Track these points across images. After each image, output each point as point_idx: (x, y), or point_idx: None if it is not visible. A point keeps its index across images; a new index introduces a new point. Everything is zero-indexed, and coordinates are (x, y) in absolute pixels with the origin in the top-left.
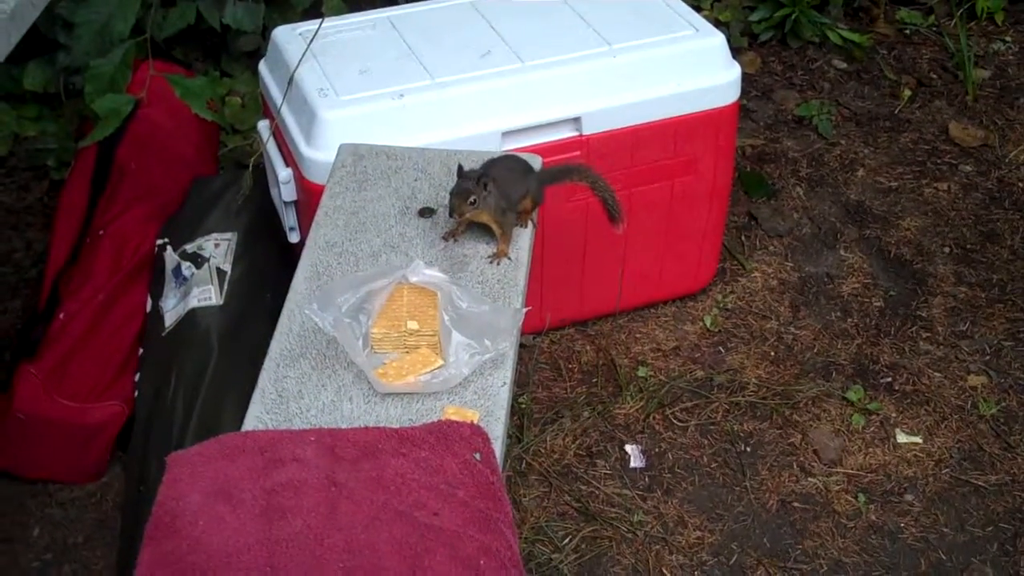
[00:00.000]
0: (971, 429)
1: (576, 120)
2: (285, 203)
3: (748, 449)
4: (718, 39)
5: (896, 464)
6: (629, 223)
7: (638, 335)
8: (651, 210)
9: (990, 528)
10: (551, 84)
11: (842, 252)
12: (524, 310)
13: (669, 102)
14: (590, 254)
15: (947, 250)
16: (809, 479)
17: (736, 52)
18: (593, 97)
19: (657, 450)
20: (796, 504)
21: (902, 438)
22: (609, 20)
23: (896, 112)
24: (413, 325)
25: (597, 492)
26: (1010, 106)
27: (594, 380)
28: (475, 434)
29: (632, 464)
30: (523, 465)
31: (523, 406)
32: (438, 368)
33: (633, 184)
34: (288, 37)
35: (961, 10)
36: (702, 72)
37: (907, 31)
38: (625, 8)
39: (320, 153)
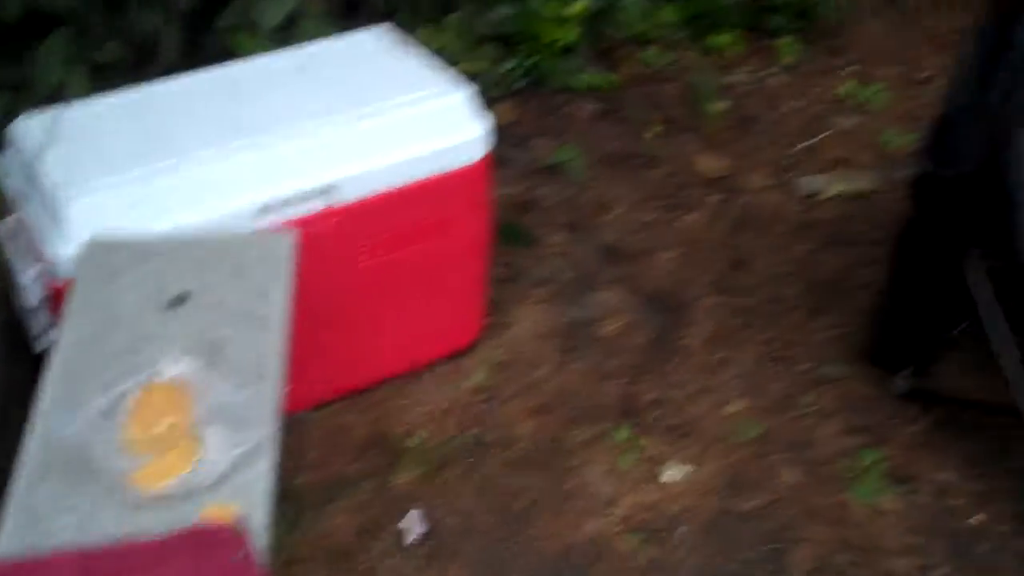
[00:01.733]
0: (734, 455)
1: (330, 189)
2: (32, 306)
3: (526, 502)
4: (464, 95)
5: (668, 499)
6: (391, 288)
7: (411, 400)
8: (412, 272)
9: (762, 548)
10: (303, 155)
11: (604, 293)
12: (283, 392)
13: (420, 163)
14: (357, 324)
15: (702, 280)
16: (587, 524)
17: (490, 103)
18: (344, 164)
19: (436, 516)
20: (577, 550)
21: (671, 472)
22: (358, 84)
23: (646, 149)
24: (167, 423)
25: (377, 568)
26: (750, 133)
27: (370, 452)
28: (233, 534)
29: (412, 535)
30: (299, 551)
31: (297, 488)
32: (196, 466)
33: (392, 248)
34: (29, 125)
35: (700, 46)
36: (450, 130)
37: (651, 70)
38: (374, 70)
39: (67, 247)
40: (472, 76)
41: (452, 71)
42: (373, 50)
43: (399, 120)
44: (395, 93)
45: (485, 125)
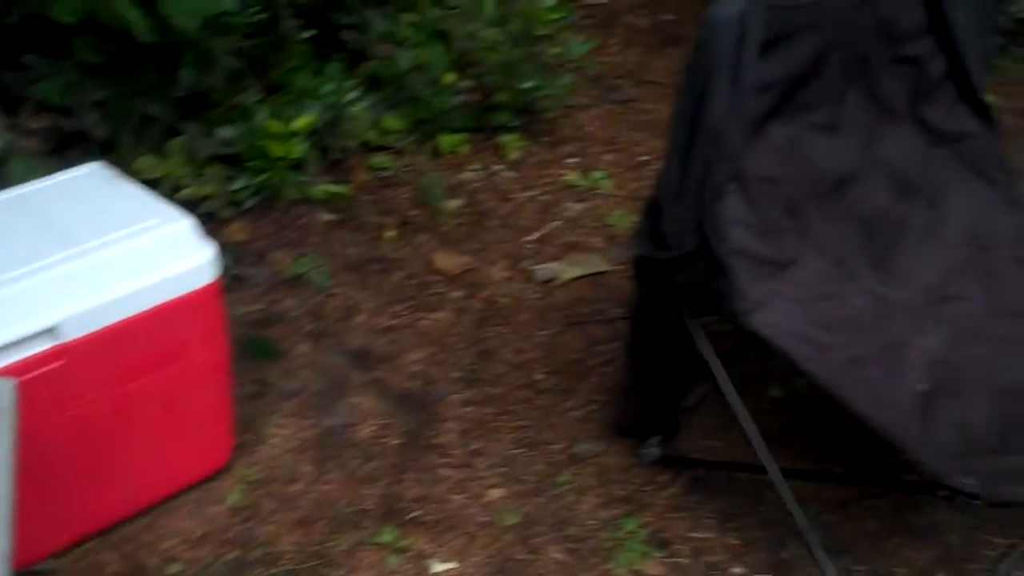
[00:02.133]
0: (499, 541)
1: (53, 330)
2: None
3: None
4: (186, 223)
5: None
6: (131, 421)
7: (166, 529)
8: (151, 402)
9: None
10: (20, 298)
11: (354, 399)
12: (12, 546)
13: (146, 294)
14: (97, 461)
15: (451, 375)
16: None
17: (223, 223)
18: (67, 303)
19: None
20: None
21: (438, 567)
22: (75, 222)
23: (384, 253)
24: None
25: None
26: (485, 228)
27: None
28: None
29: None
30: None
31: None
32: None
33: (127, 380)
34: None
35: (428, 148)
36: (174, 258)
37: (384, 175)
38: (90, 207)
39: None
40: (202, 199)
41: (173, 200)
42: (88, 187)
43: (120, 253)
44: (114, 228)
45: (211, 249)
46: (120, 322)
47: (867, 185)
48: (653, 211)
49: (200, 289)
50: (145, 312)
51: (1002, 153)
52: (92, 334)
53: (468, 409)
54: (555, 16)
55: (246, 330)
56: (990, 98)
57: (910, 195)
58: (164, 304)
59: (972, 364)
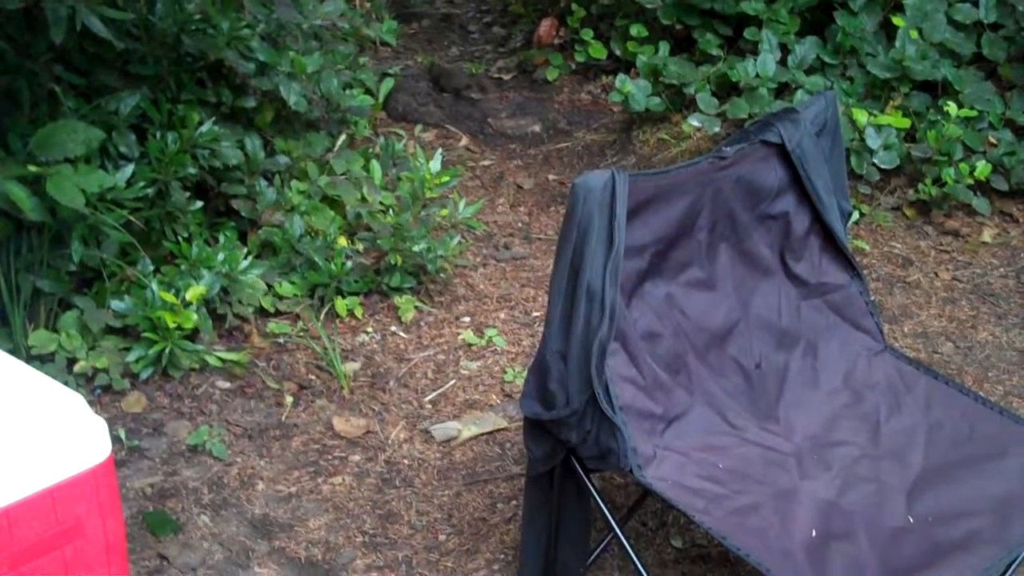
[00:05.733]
0: None
1: None
2: None
3: None
4: (74, 400)
5: None
6: None
7: None
8: None
9: None
10: None
11: (256, 569)
12: None
13: (35, 476)
14: None
15: (355, 540)
16: None
17: (120, 394)
18: None
19: None
20: None
21: None
22: None
23: (283, 419)
24: None
25: None
26: (383, 390)
27: None
28: None
29: None
30: None
31: None
32: None
33: (21, 562)
34: None
35: (324, 312)
36: (63, 438)
37: (281, 341)
38: None
39: None
40: (97, 371)
41: (68, 373)
42: None
43: (5, 435)
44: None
45: (102, 426)
46: (8, 506)
47: (746, 337)
48: (539, 372)
49: (94, 466)
50: (34, 495)
51: (872, 299)
52: None
53: (372, 574)
54: (443, 179)
55: (144, 503)
56: (862, 244)
57: (788, 345)
58: (54, 485)
59: (859, 507)
